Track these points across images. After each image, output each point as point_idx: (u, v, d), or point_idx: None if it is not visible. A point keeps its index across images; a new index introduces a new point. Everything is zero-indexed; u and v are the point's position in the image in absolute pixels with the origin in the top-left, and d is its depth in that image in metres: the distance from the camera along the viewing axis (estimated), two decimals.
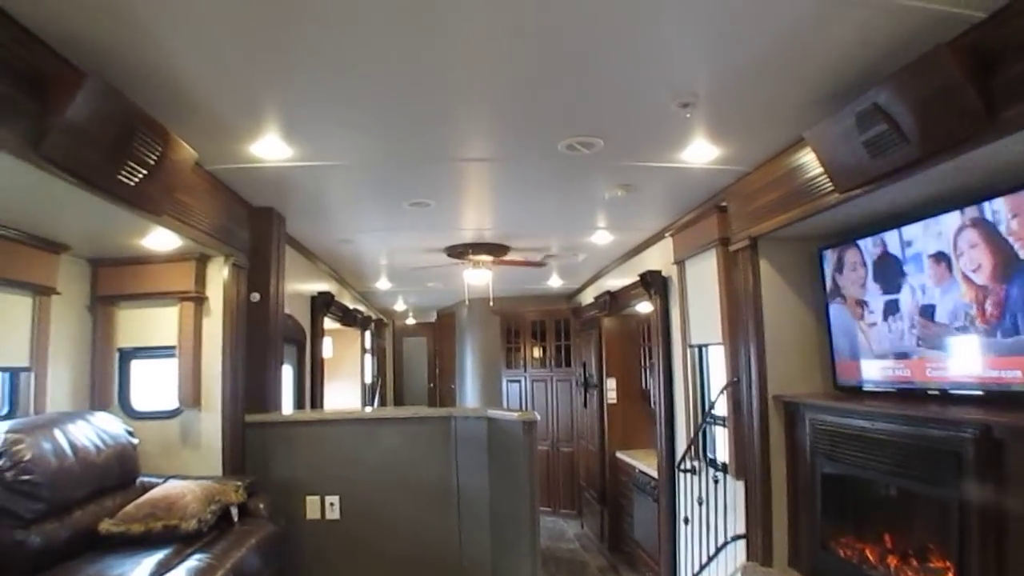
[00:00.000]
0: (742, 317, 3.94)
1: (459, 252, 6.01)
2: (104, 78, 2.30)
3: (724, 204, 4.11)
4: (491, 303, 7.51)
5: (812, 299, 3.86)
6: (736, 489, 4.09)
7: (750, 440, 3.87)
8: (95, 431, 3.33)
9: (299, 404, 5.77)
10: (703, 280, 4.45)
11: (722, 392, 4.12)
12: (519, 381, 9.41)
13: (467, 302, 8.86)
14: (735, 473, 4.03)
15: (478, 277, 6.29)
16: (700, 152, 3.46)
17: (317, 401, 6.02)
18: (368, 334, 9.44)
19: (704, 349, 4.70)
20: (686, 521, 4.69)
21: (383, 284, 8.32)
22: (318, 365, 6.08)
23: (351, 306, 7.89)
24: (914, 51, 2.24)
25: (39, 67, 2.18)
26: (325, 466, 4.12)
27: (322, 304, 6.21)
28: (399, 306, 11.17)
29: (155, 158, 2.67)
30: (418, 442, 4.18)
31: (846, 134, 2.66)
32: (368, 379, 9.57)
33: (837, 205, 3.05)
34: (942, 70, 2.16)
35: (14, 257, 3.23)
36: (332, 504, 4.07)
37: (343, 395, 8.57)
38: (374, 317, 10.04)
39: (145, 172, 2.64)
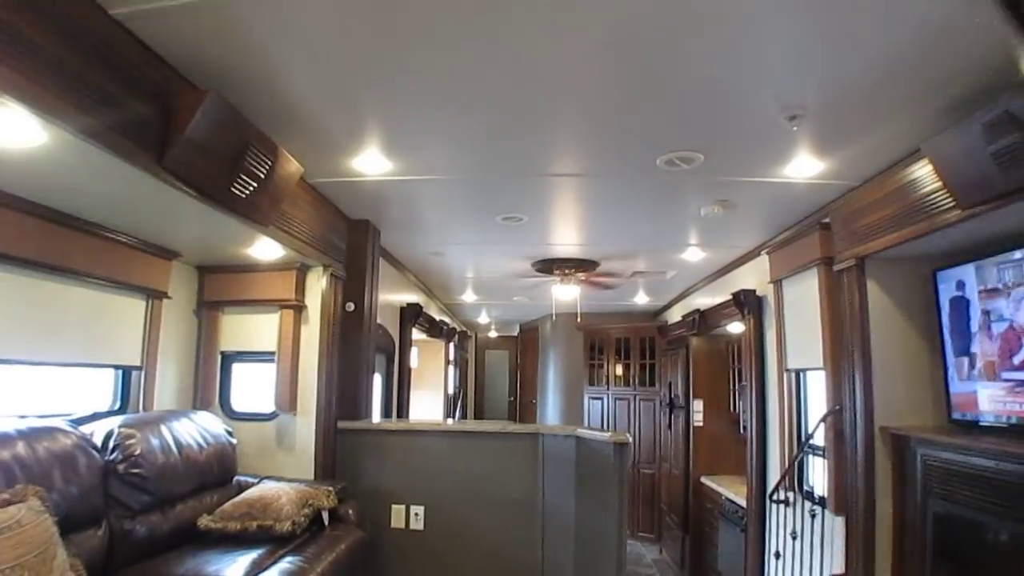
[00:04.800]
0: (846, 342, 3.74)
1: (547, 267, 6.00)
2: (223, 97, 2.42)
3: (827, 221, 3.93)
4: (579, 319, 7.44)
5: (925, 324, 3.62)
6: (835, 525, 3.87)
7: (852, 474, 3.65)
8: (198, 430, 3.47)
9: (387, 413, 5.87)
10: (803, 301, 4.27)
11: (822, 420, 3.91)
12: (601, 398, 9.28)
13: (554, 317, 8.83)
14: (834, 508, 3.81)
15: (566, 292, 6.26)
16: (804, 166, 3.33)
17: (403, 410, 6.10)
18: (452, 346, 9.53)
19: (802, 374, 4.49)
20: (777, 556, 4.49)
21: (469, 296, 8.40)
22: (405, 375, 6.17)
23: (437, 317, 8.00)
24: None
25: (164, 86, 2.33)
26: (412, 476, 4.17)
27: (411, 315, 6.31)
28: (483, 319, 11.25)
29: (265, 171, 2.78)
30: (504, 457, 4.17)
31: (971, 145, 2.49)
32: (451, 390, 9.65)
33: (958, 223, 2.85)
34: None
35: (132, 262, 3.44)
36: (417, 514, 4.11)
37: (426, 405, 8.68)
38: (458, 329, 10.14)
39: (256, 185, 2.76)
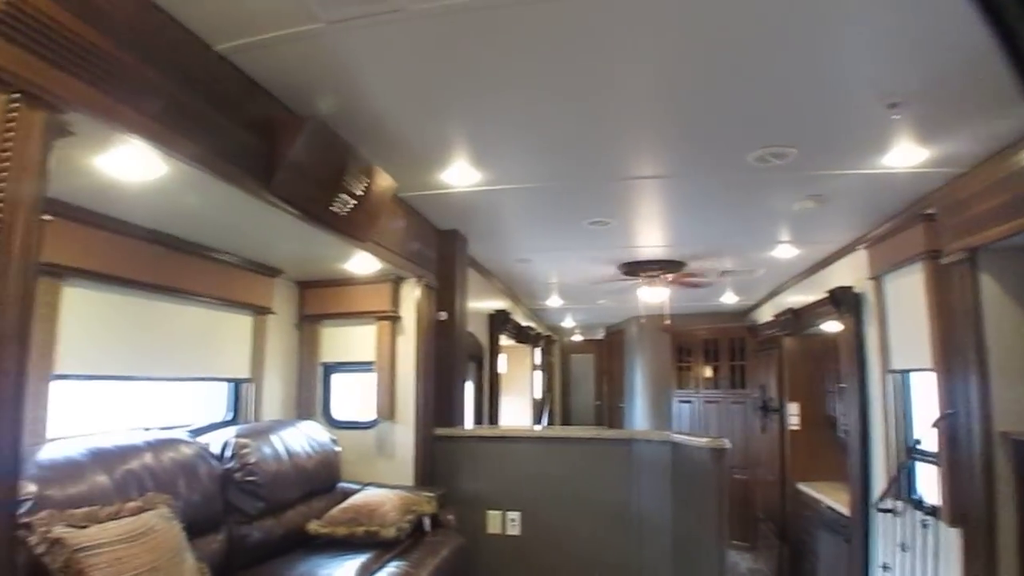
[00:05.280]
0: (958, 340, 3.50)
1: (634, 270, 5.96)
2: (321, 121, 2.54)
3: (931, 212, 3.69)
4: (667, 321, 7.35)
5: None
6: (949, 537, 3.61)
7: (969, 483, 3.40)
8: (305, 438, 3.63)
9: (478, 419, 5.96)
10: (906, 297, 4.06)
11: (934, 425, 3.69)
12: (690, 402, 9.13)
13: (642, 320, 8.75)
14: (949, 519, 3.56)
15: (653, 294, 6.19)
16: (906, 155, 3.16)
17: (494, 416, 6.18)
18: (538, 351, 9.57)
19: (907, 375, 4.28)
20: (885, 568, 4.27)
21: (554, 301, 8.42)
22: (495, 381, 6.24)
23: (523, 323, 8.05)
24: None
25: (267, 114, 2.47)
26: (507, 482, 4.21)
27: (499, 321, 6.39)
28: (568, 323, 11.24)
29: (363, 189, 2.89)
30: (598, 463, 4.16)
31: None
32: (538, 395, 9.69)
33: None
34: None
35: (239, 281, 3.65)
36: (513, 520, 4.15)
37: (514, 410, 8.74)
38: (544, 334, 10.17)
39: (354, 203, 2.88)
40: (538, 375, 9.73)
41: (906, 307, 4.08)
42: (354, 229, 3.07)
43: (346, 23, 2.02)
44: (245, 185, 2.39)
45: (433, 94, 2.57)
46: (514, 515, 4.17)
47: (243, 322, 3.78)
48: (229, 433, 3.17)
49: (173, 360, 3.29)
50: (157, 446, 2.62)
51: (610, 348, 12.01)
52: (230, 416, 3.77)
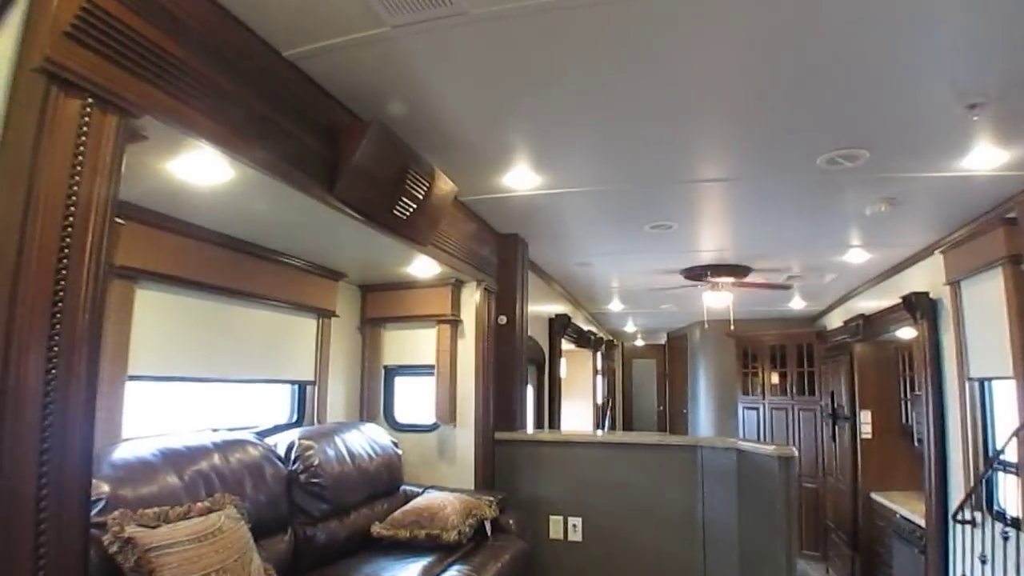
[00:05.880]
0: None
1: (697, 274, 5.86)
2: (384, 125, 2.57)
3: (1013, 216, 3.57)
4: (732, 326, 7.21)
5: None
6: None
7: None
8: (367, 440, 3.69)
9: (539, 423, 5.95)
10: (985, 303, 3.90)
11: (1015, 435, 3.54)
12: (756, 408, 8.92)
13: (706, 325, 8.61)
14: None
15: (718, 299, 6.08)
16: (985, 158, 3.05)
17: (555, 421, 6.16)
18: (599, 355, 9.52)
19: (987, 383, 4.10)
20: None
21: (615, 306, 8.36)
22: (556, 385, 6.23)
23: (584, 327, 8.02)
24: None
25: (331, 119, 2.52)
26: (568, 487, 4.19)
27: (560, 326, 6.38)
28: (629, 327, 11.14)
29: (424, 193, 2.92)
30: (661, 470, 4.10)
31: None
32: (599, 400, 9.63)
33: None
34: None
35: (304, 285, 3.73)
36: (575, 526, 4.12)
37: (576, 415, 8.70)
38: (605, 338, 10.10)
39: (415, 206, 2.91)
40: (599, 379, 9.67)
41: (985, 313, 3.93)
42: (414, 233, 3.11)
43: (411, 27, 2.05)
44: (309, 189, 2.44)
45: (495, 98, 2.58)
46: (576, 521, 4.14)
47: (308, 325, 3.87)
48: (294, 435, 3.24)
49: (241, 362, 3.38)
50: (225, 447, 2.70)
51: (672, 353, 11.86)
52: (295, 418, 3.85)
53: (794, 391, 8.58)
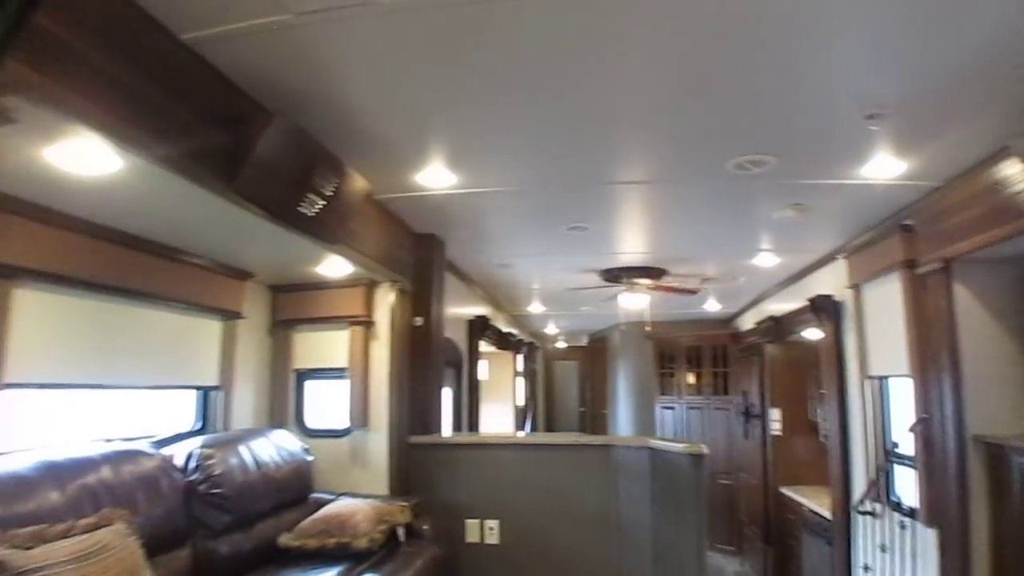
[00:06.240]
0: (933, 347, 3.55)
1: (615, 276, 5.93)
2: (289, 117, 2.46)
3: (909, 223, 3.75)
4: (648, 327, 7.34)
5: (1019, 328, 3.40)
6: (927, 538, 3.67)
7: (944, 485, 3.47)
8: (275, 448, 3.56)
9: (457, 426, 5.89)
10: (884, 306, 4.09)
11: (911, 429, 3.72)
12: (674, 408, 9.15)
13: (622, 326, 8.73)
14: (926, 520, 3.63)
15: (634, 301, 6.17)
16: (884, 167, 3.18)
17: (474, 423, 6.12)
18: (521, 357, 9.53)
19: (885, 381, 4.31)
20: (866, 569, 4.31)
21: (536, 308, 8.38)
22: (474, 387, 6.19)
23: (505, 329, 8.00)
24: None
25: (233, 110, 2.37)
26: (485, 490, 4.16)
27: (479, 327, 6.34)
28: (550, 329, 11.19)
29: (332, 189, 2.81)
30: (577, 470, 4.12)
31: None
32: (520, 402, 9.64)
33: None
34: None
35: (208, 284, 3.56)
36: (492, 528, 4.09)
37: (496, 418, 8.68)
38: (526, 340, 10.12)
39: (323, 203, 2.79)
40: (520, 382, 9.68)
41: (884, 315, 4.13)
42: (324, 231, 2.99)
43: (315, 15, 1.96)
44: (208, 183, 2.31)
45: (407, 93, 2.50)
46: (493, 523, 4.11)
47: (212, 327, 3.70)
48: (194, 444, 3.08)
49: (136, 367, 3.20)
50: (115, 459, 2.54)
51: (593, 355, 12.00)
52: (199, 426, 3.68)
53: (709, 391, 8.83)
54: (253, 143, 2.35)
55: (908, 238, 3.75)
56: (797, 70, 2.30)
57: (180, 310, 3.43)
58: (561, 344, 12.56)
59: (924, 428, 3.62)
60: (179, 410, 3.65)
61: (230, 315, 3.78)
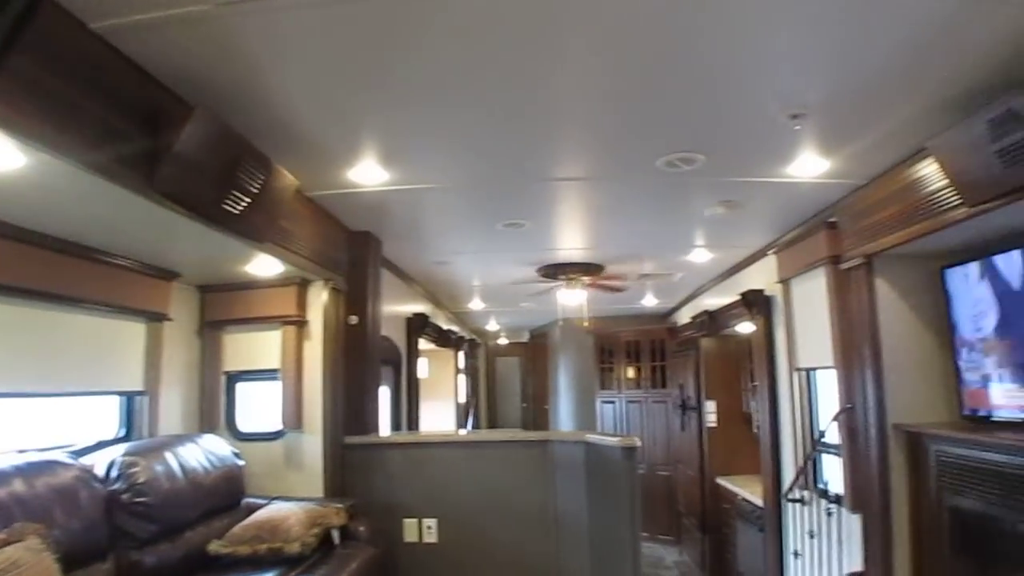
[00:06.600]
0: (856, 340, 3.69)
1: (553, 272, 5.96)
2: (211, 111, 2.37)
3: (834, 220, 3.88)
4: (585, 323, 7.40)
5: (935, 321, 3.55)
6: (852, 523, 3.82)
7: (867, 471, 3.61)
8: (204, 453, 3.45)
9: (396, 425, 5.84)
10: (811, 300, 4.22)
11: (835, 419, 3.86)
12: (613, 402, 9.26)
13: (562, 322, 8.78)
14: (851, 506, 3.77)
15: (572, 297, 6.21)
16: (809, 166, 3.28)
17: (413, 422, 6.07)
18: (462, 354, 9.51)
19: (812, 373, 4.45)
20: (796, 555, 4.44)
21: (476, 305, 8.36)
22: (414, 386, 6.14)
23: (445, 327, 7.97)
24: None
25: (151, 103, 2.26)
26: (423, 489, 4.13)
27: (417, 325, 6.29)
28: (492, 326, 11.20)
29: (259, 186, 2.73)
30: (515, 466, 4.14)
31: (976, 143, 2.44)
32: (462, 399, 9.62)
33: (965, 220, 2.79)
34: None
35: (130, 286, 3.41)
36: (430, 527, 4.07)
37: (438, 415, 8.65)
38: (467, 337, 10.10)
39: (249, 200, 2.71)
40: (462, 379, 9.65)
41: (811, 309, 4.25)
42: (250, 229, 2.90)
43: (238, 6, 1.88)
44: (124, 181, 2.21)
45: (337, 88, 2.44)
46: (431, 522, 4.09)
47: (135, 330, 3.55)
48: (116, 452, 2.95)
49: (55, 373, 3.04)
50: (28, 471, 2.40)
51: (535, 351, 12.06)
52: (122, 433, 3.53)
53: (648, 384, 8.97)
54: (173, 139, 2.26)
55: (833, 235, 3.88)
56: (721, 71, 2.34)
57: (101, 313, 3.28)
58: (503, 340, 12.58)
59: (847, 418, 3.76)
60: (102, 417, 3.50)
61: (155, 317, 3.63)
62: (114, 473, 2.85)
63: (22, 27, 1.60)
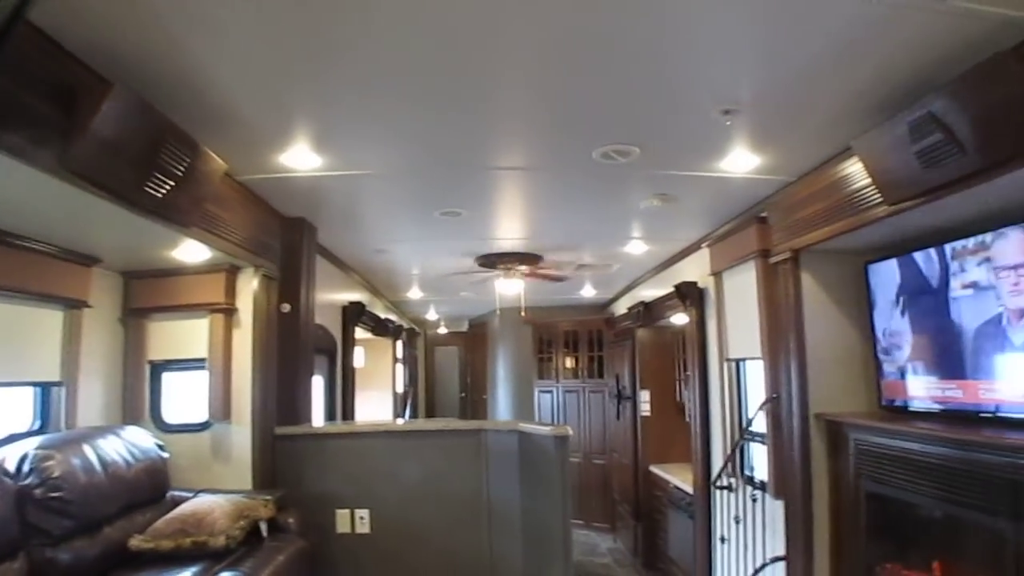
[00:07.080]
0: (783, 332, 3.80)
1: (490, 262, 5.95)
2: (131, 88, 2.26)
3: (764, 215, 3.99)
4: (523, 313, 7.43)
5: (857, 315, 3.71)
6: (776, 509, 3.94)
7: (790, 459, 3.73)
8: (125, 446, 3.33)
9: (330, 415, 5.75)
10: (741, 293, 4.32)
11: (761, 408, 3.98)
12: (551, 392, 9.32)
13: (499, 312, 8.79)
14: (775, 492, 3.89)
15: (510, 287, 6.22)
16: (740, 161, 3.35)
17: (348, 412, 5.99)
18: (400, 344, 9.42)
19: (742, 363, 4.56)
20: (723, 540, 4.56)
21: (415, 294, 8.30)
22: (349, 375, 6.06)
23: (383, 315, 7.88)
24: (972, 58, 2.12)
25: (65, 78, 2.14)
26: (355, 479, 4.09)
27: (353, 314, 6.19)
28: (431, 315, 11.14)
29: (183, 169, 2.63)
30: (449, 455, 4.13)
31: (897, 144, 2.53)
32: (400, 389, 9.55)
33: (886, 218, 2.91)
34: (1006, 78, 2.03)
35: (45, 271, 3.24)
36: (362, 518, 4.03)
37: (375, 406, 8.55)
38: (406, 326, 10.02)
39: (173, 183, 2.61)
40: (400, 368, 9.57)
41: (741, 302, 4.35)
42: (175, 213, 2.78)
43: None
44: (34, 159, 2.09)
45: (263, 66, 2.34)
46: (363, 513, 4.04)
47: (52, 317, 3.38)
48: (29, 445, 2.82)
49: None
50: None
51: (474, 341, 12.05)
52: (37, 425, 3.36)
53: (585, 374, 9.06)
54: (89, 116, 2.14)
55: (763, 229, 3.98)
56: (655, 65, 2.37)
57: (13, 299, 3.11)
58: (442, 330, 12.52)
59: (773, 407, 3.88)
60: (15, 410, 3.32)
61: (74, 304, 3.46)
62: (26, 467, 2.72)
63: None
